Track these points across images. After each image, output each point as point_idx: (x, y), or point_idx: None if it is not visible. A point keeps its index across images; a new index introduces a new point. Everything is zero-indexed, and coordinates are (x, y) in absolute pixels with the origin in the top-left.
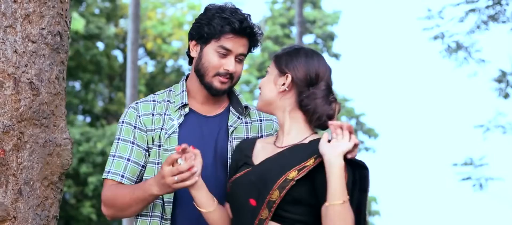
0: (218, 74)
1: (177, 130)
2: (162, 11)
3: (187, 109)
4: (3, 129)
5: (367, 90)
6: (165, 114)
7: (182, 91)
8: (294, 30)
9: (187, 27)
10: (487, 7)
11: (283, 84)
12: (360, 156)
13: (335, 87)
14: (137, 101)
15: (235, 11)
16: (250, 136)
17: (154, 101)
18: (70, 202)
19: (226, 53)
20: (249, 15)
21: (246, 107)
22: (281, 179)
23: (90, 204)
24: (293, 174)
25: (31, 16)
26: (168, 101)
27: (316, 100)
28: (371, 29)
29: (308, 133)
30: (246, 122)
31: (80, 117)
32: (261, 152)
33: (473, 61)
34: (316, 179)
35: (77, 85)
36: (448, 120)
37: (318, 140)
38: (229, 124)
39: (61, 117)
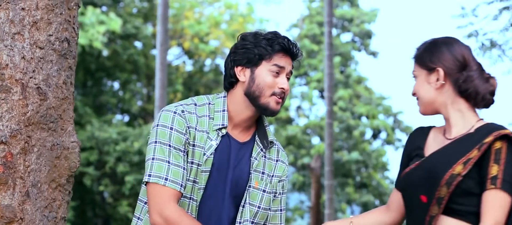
0: (274, 94)
1: (214, 152)
2: (200, 10)
3: (224, 131)
4: (10, 133)
5: (404, 88)
6: (205, 131)
7: (223, 111)
8: (332, 29)
9: (224, 27)
10: None
11: (437, 79)
12: (398, 154)
13: (372, 85)
14: (182, 108)
15: (277, 32)
16: (265, 172)
17: (196, 114)
18: (108, 201)
19: (279, 70)
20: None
21: (271, 142)
22: (447, 174)
23: (127, 203)
24: (459, 168)
25: (39, 23)
26: (208, 116)
27: (474, 81)
28: (407, 27)
29: (474, 120)
30: (265, 157)
31: (118, 117)
32: (433, 144)
33: (507, 59)
34: (482, 168)
35: (115, 84)
36: (483, 118)
37: (485, 126)
38: (253, 156)
39: (69, 121)
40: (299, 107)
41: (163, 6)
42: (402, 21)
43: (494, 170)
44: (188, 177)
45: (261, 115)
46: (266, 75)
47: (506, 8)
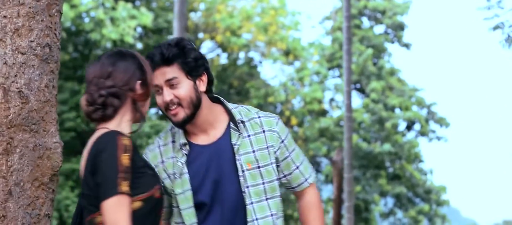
0: (166, 110)
1: (186, 170)
2: (232, 4)
3: (187, 147)
4: None
5: (437, 79)
6: (171, 157)
7: (179, 130)
8: (365, 21)
9: (257, 19)
10: None
11: None
12: (432, 145)
13: (405, 77)
14: (146, 150)
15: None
16: (256, 148)
17: (159, 146)
18: None
19: (158, 89)
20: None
21: (242, 122)
22: None
23: None
24: None
25: (20, 30)
26: (173, 141)
27: None
28: (440, 19)
29: None
30: (249, 136)
31: (151, 110)
32: None
33: None
34: None
35: None
36: None
37: None
38: (233, 142)
39: (51, 122)
40: (332, 99)
41: (180, 3)
42: (435, 13)
43: None
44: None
45: (223, 104)
46: (156, 98)
47: None
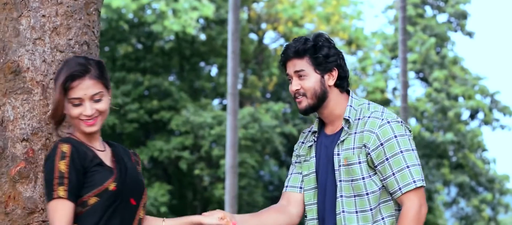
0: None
1: (313, 154)
2: None
3: (316, 134)
4: (32, 131)
5: (501, 68)
6: (303, 142)
7: (317, 118)
8: (428, 9)
9: (319, 9)
10: None
11: None
12: (495, 134)
13: (468, 65)
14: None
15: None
16: (356, 146)
17: (304, 132)
18: (204, 184)
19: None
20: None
21: (346, 120)
22: None
23: (222, 186)
24: None
25: (59, 29)
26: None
27: None
28: (504, 6)
29: None
30: (355, 133)
31: (215, 101)
32: None
33: None
34: None
35: (213, 69)
36: None
37: None
38: (340, 139)
39: None
40: (395, 89)
41: None
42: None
43: None
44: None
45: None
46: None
47: None
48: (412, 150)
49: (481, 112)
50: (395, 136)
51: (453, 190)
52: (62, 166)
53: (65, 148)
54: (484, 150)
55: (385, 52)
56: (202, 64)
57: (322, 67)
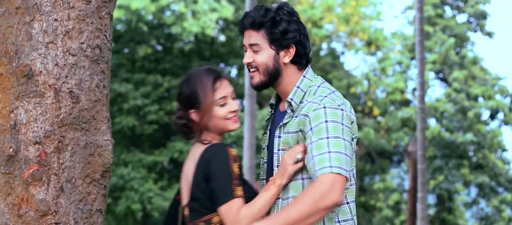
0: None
1: (268, 129)
2: None
3: (272, 109)
4: (44, 134)
5: None
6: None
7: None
8: (447, 10)
9: (338, 10)
10: None
11: None
12: None
13: (488, 66)
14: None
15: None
16: (291, 131)
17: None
18: None
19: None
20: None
21: (289, 103)
22: None
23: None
24: None
25: (71, 32)
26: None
27: None
28: None
29: None
30: (297, 116)
31: None
32: None
33: None
34: None
35: (233, 71)
36: None
37: None
38: (283, 121)
39: (103, 121)
40: (414, 89)
41: None
42: None
43: None
44: None
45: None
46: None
47: None
48: (343, 138)
49: (501, 112)
50: (326, 121)
51: (473, 191)
52: (236, 168)
53: (235, 152)
54: (504, 150)
55: (405, 52)
56: (221, 65)
57: (278, 43)
